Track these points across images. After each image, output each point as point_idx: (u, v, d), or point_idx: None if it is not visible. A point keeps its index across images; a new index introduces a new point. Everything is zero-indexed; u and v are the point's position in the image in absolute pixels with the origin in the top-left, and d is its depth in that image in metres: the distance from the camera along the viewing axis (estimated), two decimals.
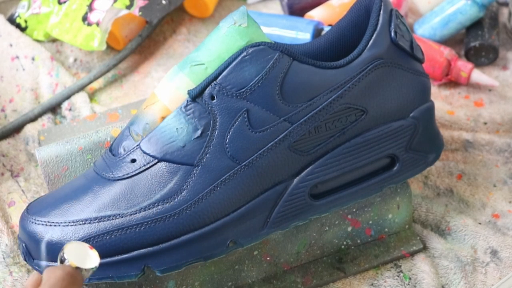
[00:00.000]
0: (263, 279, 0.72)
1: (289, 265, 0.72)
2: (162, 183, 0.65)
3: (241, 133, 0.65)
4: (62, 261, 0.59)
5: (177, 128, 0.65)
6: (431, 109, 0.71)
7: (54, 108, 0.87)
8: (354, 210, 0.72)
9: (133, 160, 0.66)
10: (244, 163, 0.65)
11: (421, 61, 0.71)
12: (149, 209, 0.65)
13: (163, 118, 0.66)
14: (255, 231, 0.67)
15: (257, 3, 0.98)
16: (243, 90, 0.65)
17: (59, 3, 0.92)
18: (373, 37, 0.68)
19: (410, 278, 0.72)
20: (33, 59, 0.90)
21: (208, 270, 0.70)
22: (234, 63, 0.65)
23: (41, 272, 0.64)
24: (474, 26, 0.91)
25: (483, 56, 0.90)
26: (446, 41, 0.92)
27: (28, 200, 0.79)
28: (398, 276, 0.73)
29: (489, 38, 0.89)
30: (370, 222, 0.73)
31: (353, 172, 0.69)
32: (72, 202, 0.66)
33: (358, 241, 0.74)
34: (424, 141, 0.71)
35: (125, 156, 0.66)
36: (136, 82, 0.91)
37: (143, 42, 0.92)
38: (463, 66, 0.87)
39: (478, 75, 0.87)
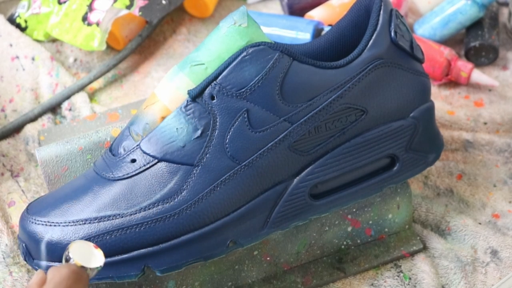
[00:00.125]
0: (263, 279, 0.72)
1: (289, 265, 0.72)
2: (162, 183, 0.65)
3: (241, 133, 0.65)
4: (67, 260, 0.59)
5: (177, 128, 0.65)
6: (431, 109, 0.71)
7: (54, 108, 0.87)
8: (354, 210, 0.72)
9: (133, 160, 0.66)
10: (244, 163, 0.65)
11: (421, 61, 0.71)
12: (149, 209, 0.65)
13: (163, 118, 0.66)
14: (255, 231, 0.67)
15: (257, 3, 0.98)
16: (243, 90, 0.65)
17: (59, 3, 0.92)
18: (373, 37, 0.68)
19: (410, 278, 0.72)
20: (33, 59, 0.90)
21: (208, 270, 0.70)
22: (234, 63, 0.65)
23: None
24: (474, 26, 0.91)
25: (483, 56, 0.90)
26: (446, 41, 0.92)
27: (28, 200, 0.79)
28: (398, 276, 0.73)
29: (489, 38, 0.89)
30: (370, 222, 0.73)
31: (353, 172, 0.69)
32: (72, 202, 0.66)
33: (358, 241, 0.74)
34: (424, 141, 0.71)
35: (125, 156, 0.66)
36: (136, 82, 0.91)
37: (143, 42, 0.92)
38: (463, 66, 0.87)
39: (478, 75, 0.87)
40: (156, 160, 0.65)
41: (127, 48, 0.91)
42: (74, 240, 0.64)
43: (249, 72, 0.65)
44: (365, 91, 0.68)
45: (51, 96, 0.88)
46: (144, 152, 0.66)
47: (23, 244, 0.66)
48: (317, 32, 0.87)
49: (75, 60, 0.92)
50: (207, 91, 0.65)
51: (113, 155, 0.67)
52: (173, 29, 0.95)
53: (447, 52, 0.87)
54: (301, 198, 0.67)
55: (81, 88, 0.88)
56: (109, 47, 0.93)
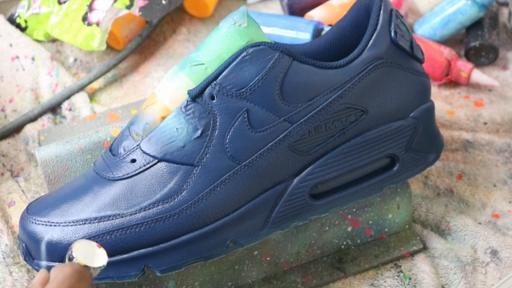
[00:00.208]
0: (263, 279, 0.72)
1: (289, 265, 0.72)
2: (162, 183, 0.65)
3: (241, 133, 0.65)
4: (70, 259, 0.59)
5: (177, 128, 0.65)
6: (431, 109, 0.71)
7: (54, 108, 0.87)
8: (354, 210, 0.72)
9: (133, 160, 0.66)
10: (244, 163, 0.65)
11: (421, 61, 0.71)
12: (149, 209, 0.65)
13: (163, 118, 0.66)
14: (255, 231, 0.67)
15: (257, 3, 0.98)
16: (243, 90, 0.65)
17: (59, 3, 0.92)
18: (373, 37, 0.68)
19: (410, 278, 0.72)
20: (33, 59, 0.90)
21: (208, 270, 0.70)
22: (234, 63, 0.65)
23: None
24: (474, 26, 0.91)
25: (483, 56, 0.90)
26: (446, 41, 0.92)
27: (28, 200, 0.79)
28: (398, 276, 0.73)
29: (489, 38, 0.89)
30: (370, 222, 0.73)
31: (353, 172, 0.69)
32: (72, 202, 0.66)
33: (358, 241, 0.74)
34: (424, 141, 0.71)
35: (125, 156, 0.66)
36: (136, 82, 0.91)
37: (143, 42, 0.92)
38: (463, 66, 0.87)
39: (478, 75, 0.87)
40: (156, 160, 0.65)
41: (127, 48, 0.91)
42: (75, 240, 0.64)
43: (249, 72, 0.65)
44: (365, 91, 0.68)
45: (51, 96, 0.88)
46: (144, 152, 0.66)
47: (23, 244, 0.66)
48: (317, 32, 0.87)
49: (75, 60, 0.92)
50: (207, 91, 0.65)
51: (113, 155, 0.67)
52: (173, 29, 0.95)
53: (447, 52, 0.87)
54: (301, 198, 0.67)
55: (81, 88, 0.88)
56: (109, 47, 0.93)
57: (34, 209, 0.67)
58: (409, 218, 0.75)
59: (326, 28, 0.87)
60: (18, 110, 0.87)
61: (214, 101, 0.65)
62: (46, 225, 0.65)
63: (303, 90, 0.66)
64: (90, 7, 0.90)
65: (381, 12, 0.69)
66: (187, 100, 0.66)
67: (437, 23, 0.90)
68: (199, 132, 0.65)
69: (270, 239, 0.71)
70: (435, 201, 0.78)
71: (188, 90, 0.66)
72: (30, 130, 0.85)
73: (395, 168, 0.70)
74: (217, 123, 0.65)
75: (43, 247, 0.65)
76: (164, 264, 0.65)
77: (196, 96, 0.65)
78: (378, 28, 0.68)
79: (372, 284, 0.72)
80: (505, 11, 0.95)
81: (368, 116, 0.68)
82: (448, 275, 0.72)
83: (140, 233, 0.64)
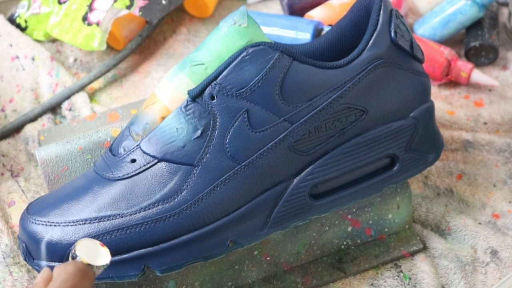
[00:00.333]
0: (263, 279, 0.72)
1: (289, 265, 0.72)
2: (162, 183, 0.65)
3: (241, 133, 0.65)
4: (73, 258, 0.59)
5: (177, 128, 0.65)
6: (431, 109, 0.71)
7: (54, 108, 0.87)
8: (354, 210, 0.72)
9: (133, 160, 0.66)
10: (244, 163, 0.65)
11: (421, 61, 0.71)
12: (149, 209, 0.65)
13: (163, 118, 0.66)
14: (255, 231, 0.67)
15: (257, 3, 0.98)
16: (243, 90, 0.65)
17: (59, 3, 0.92)
18: (373, 37, 0.68)
19: (410, 278, 0.72)
20: (33, 59, 0.90)
21: (208, 270, 0.70)
22: (234, 63, 0.65)
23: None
24: (474, 26, 0.91)
25: (483, 56, 0.90)
26: (446, 41, 0.92)
27: (28, 200, 0.79)
28: (398, 276, 0.73)
29: (489, 38, 0.89)
30: (370, 222, 0.73)
31: (353, 172, 0.69)
32: (72, 202, 0.66)
33: (358, 241, 0.74)
34: (424, 141, 0.71)
35: (125, 156, 0.66)
36: (136, 82, 0.91)
37: (143, 42, 0.92)
38: (463, 66, 0.87)
39: (478, 75, 0.87)
40: (156, 160, 0.65)
41: (127, 48, 0.91)
42: (75, 240, 0.64)
43: (249, 72, 0.65)
44: (365, 91, 0.68)
45: (51, 96, 0.88)
46: (144, 152, 0.66)
47: (23, 244, 0.66)
48: (317, 32, 0.87)
49: (75, 60, 0.92)
50: (207, 91, 0.65)
51: (113, 155, 0.67)
52: (173, 29, 0.95)
53: (447, 52, 0.87)
54: (301, 198, 0.67)
55: (81, 88, 0.88)
56: (109, 47, 0.93)
57: (34, 209, 0.67)
58: (409, 218, 0.75)
59: (326, 28, 0.87)
60: (18, 110, 0.87)
61: (214, 101, 0.65)
62: (46, 225, 0.65)
63: (303, 90, 0.66)
64: (90, 7, 0.90)
65: (381, 12, 0.69)
66: (187, 100, 0.66)
67: (437, 23, 0.90)
68: (199, 132, 0.65)
69: (270, 239, 0.71)
70: (435, 201, 0.78)
71: (188, 90, 0.66)
72: (30, 130, 0.85)
73: (395, 168, 0.70)
74: (217, 123, 0.65)
75: (43, 247, 0.65)
76: (164, 264, 0.65)
77: (196, 96, 0.65)
78: (378, 28, 0.68)
79: (372, 284, 0.72)
80: (505, 11, 0.95)
81: (368, 116, 0.68)
82: (448, 275, 0.72)
83: (140, 233, 0.64)
